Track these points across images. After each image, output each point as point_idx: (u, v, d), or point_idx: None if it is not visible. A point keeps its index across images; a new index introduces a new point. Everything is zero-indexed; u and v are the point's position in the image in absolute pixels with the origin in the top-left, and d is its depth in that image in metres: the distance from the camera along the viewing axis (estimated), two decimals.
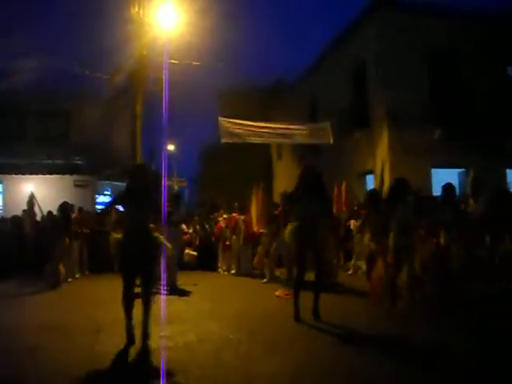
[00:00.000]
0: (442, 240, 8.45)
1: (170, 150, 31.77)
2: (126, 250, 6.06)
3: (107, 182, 23.19)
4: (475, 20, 17.86)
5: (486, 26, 17.74)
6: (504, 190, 10.15)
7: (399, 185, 8.65)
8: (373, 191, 12.56)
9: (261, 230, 13.68)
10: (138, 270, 6.14)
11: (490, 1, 19.51)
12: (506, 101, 17.46)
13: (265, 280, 12.50)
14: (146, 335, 6.00)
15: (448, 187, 8.80)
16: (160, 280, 8.38)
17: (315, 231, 7.56)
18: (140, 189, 6.25)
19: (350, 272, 13.47)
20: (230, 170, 34.23)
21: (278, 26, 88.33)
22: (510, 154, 16.69)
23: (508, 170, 17.94)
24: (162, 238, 6.35)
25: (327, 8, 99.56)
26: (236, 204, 15.75)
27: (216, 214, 16.97)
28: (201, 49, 18.56)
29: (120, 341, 5.95)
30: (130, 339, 6.01)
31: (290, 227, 7.85)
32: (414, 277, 8.06)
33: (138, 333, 6.05)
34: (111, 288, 5.94)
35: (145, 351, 5.75)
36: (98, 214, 17.42)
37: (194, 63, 18.13)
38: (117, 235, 6.32)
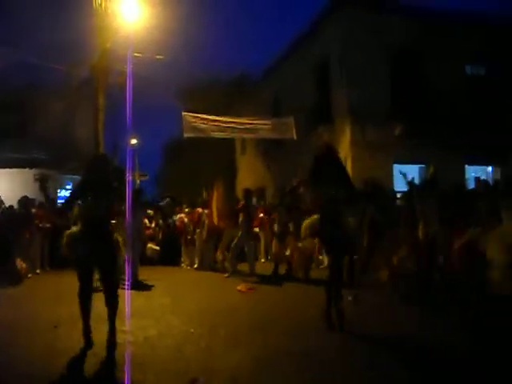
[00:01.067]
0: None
1: (132, 144, 31.49)
2: (81, 246, 5.67)
3: (69, 175, 22.85)
4: (437, 19, 18.09)
5: (447, 25, 18.01)
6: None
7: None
8: None
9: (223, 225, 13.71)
10: (96, 266, 5.84)
11: (450, 1, 19.80)
12: (465, 99, 17.79)
13: (227, 274, 12.49)
14: (112, 333, 5.70)
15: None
16: (122, 274, 8.33)
17: (341, 220, 6.78)
18: (98, 181, 5.88)
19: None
20: (194, 165, 34.08)
21: (244, 21, 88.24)
22: (468, 151, 16.99)
23: (467, 167, 18.28)
24: (118, 237, 6.22)
25: (293, 4, 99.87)
26: (200, 198, 15.67)
27: (178, 209, 16.88)
28: (165, 43, 18.44)
29: (79, 336, 5.87)
30: (88, 342, 5.76)
31: (308, 221, 7.37)
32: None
33: (98, 327, 5.96)
34: (71, 283, 5.80)
35: (111, 346, 5.59)
36: (59, 208, 17.16)
37: (157, 57, 17.99)
38: (71, 230, 6.03)
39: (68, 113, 21.67)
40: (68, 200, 6.42)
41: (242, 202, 13.37)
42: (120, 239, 6.25)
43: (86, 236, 5.71)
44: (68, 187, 23.07)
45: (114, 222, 6.32)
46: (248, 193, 13.72)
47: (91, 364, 5.16)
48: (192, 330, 6.48)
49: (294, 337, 6.14)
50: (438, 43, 17.76)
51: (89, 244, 5.64)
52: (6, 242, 12.29)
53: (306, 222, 7.51)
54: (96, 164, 6.21)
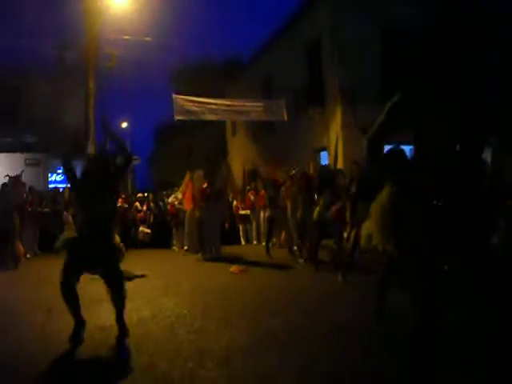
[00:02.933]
0: None
1: (123, 128, 31.39)
2: (79, 251, 5.36)
3: (58, 158, 22.76)
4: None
5: (439, 5, 17.91)
6: None
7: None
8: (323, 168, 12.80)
9: None
10: (93, 270, 5.50)
11: None
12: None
13: (198, 258, 12.59)
14: (122, 328, 5.37)
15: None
16: None
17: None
18: (98, 183, 5.47)
19: None
20: (185, 147, 34.05)
21: (235, 2, 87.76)
22: None
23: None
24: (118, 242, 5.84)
25: None
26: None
27: (169, 192, 16.92)
28: (154, 25, 18.38)
29: (72, 319, 5.90)
30: (79, 328, 5.38)
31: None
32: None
33: (91, 309, 5.99)
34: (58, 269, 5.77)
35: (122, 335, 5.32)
36: (50, 192, 17.15)
37: (145, 39, 17.93)
38: (66, 236, 5.85)
39: (59, 96, 21.52)
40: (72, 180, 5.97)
41: (205, 184, 13.11)
42: (118, 240, 6.00)
43: (86, 240, 5.40)
44: (59, 171, 22.99)
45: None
46: (211, 170, 13.76)
47: (86, 347, 5.19)
48: (185, 311, 6.53)
49: (286, 317, 6.18)
50: (431, 24, 17.66)
51: (87, 249, 5.35)
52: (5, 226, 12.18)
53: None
54: (94, 165, 5.79)
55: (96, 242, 5.33)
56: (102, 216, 5.44)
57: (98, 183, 5.46)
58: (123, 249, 5.91)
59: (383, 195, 3.51)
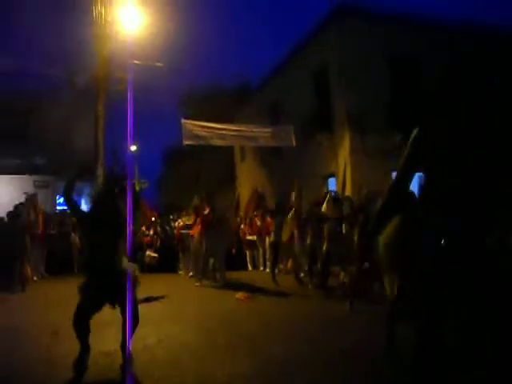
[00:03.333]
0: None
1: (132, 151, 31.51)
2: (92, 297, 5.27)
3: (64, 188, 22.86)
4: (436, 26, 18.18)
5: (446, 31, 18.07)
6: None
7: None
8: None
9: None
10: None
11: (450, 7, 19.89)
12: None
13: (197, 284, 12.53)
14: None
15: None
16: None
17: None
18: (107, 218, 5.40)
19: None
20: (194, 171, 34.15)
21: (244, 29, 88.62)
22: None
23: None
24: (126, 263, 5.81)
25: (292, 11, 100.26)
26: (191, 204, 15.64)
27: (176, 216, 16.95)
28: (165, 50, 18.56)
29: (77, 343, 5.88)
30: (84, 357, 5.29)
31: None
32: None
33: (97, 334, 5.95)
34: (70, 289, 5.77)
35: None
36: (58, 214, 17.23)
37: (157, 64, 18.09)
38: (81, 283, 5.48)
39: (69, 119, 21.72)
40: (74, 211, 5.85)
41: (208, 209, 13.04)
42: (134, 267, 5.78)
43: (97, 285, 5.30)
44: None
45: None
46: (210, 196, 13.73)
47: (90, 372, 5.17)
48: (190, 338, 6.54)
49: (290, 344, 6.16)
50: (437, 49, 17.80)
51: (97, 295, 5.29)
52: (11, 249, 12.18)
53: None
54: (104, 198, 5.82)
55: (106, 278, 5.25)
56: (111, 254, 5.34)
57: (108, 221, 5.37)
58: (138, 274, 5.82)
59: (391, 228, 3.51)
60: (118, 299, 5.22)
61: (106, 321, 5.80)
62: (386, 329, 5.74)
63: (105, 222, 5.33)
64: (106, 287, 5.25)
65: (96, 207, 5.65)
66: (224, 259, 12.88)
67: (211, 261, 13.09)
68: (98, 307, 5.33)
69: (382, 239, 3.90)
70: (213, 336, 6.63)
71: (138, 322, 5.35)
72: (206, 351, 5.90)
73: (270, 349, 5.96)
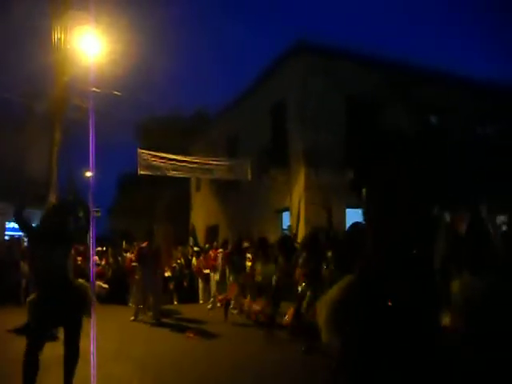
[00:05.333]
0: None
1: (86, 177, 31.13)
2: (44, 309, 5.25)
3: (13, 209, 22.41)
4: (396, 66, 18.62)
5: (404, 76, 18.51)
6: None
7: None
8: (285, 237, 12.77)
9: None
10: (58, 326, 5.51)
11: (413, 50, 20.44)
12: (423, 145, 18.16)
13: (131, 318, 12.27)
14: None
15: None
16: None
17: None
18: (55, 232, 5.41)
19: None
20: (148, 200, 33.87)
21: (204, 60, 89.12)
22: None
23: None
24: (85, 285, 5.82)
25: (253, 45, 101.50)
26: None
27: (127, 246, 16.72)
28: (123, 79, 18.47)
29: None
30: None
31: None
32: None
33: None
34: (15, 321, 5.60)
35: None
36: (6, 242, 16.82)
37: (115, 93, 17.98)
38: (32, 297, 5.55)
39: (22, 145, 21.38)
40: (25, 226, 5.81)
41: (145, 243, 12.87)
42: (84, 282, 5.87)
43: (49, 298, 5.31)
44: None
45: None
46: (149, 231, 13.67)
47: None
48: (134, 382, 6.39)
49: None
50: (395, 91, 18.19)
51: (53, 305, 5.26)
52: None
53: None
54: (52, 215, 5.77)
55: (57, 291, 5.28)
56: (60, 266, 5.40)
57: (56, 235, 5.41)
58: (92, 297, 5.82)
59: (336, 289, 3.52)
60: (66, 318, 5.31)
61: (49, 361, 5.62)
62: None
63: (52, 236, 5.38)
64: (57, 300, 5.25)
65: (44, 221, 5.69)
66: (158, 294, 12.57)
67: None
68: (49, 325, 5.39)
69: (326, 299, 3.88)
70: (157, 379, 6.51)
71: (78, 356, 5.41)
72: None
73: None
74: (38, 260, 5.59)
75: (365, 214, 3.52)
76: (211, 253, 16.06)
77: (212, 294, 14.65)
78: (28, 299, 5.63)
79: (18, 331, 8.92)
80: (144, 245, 12.77)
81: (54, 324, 5.43)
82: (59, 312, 5.26)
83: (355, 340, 3.23)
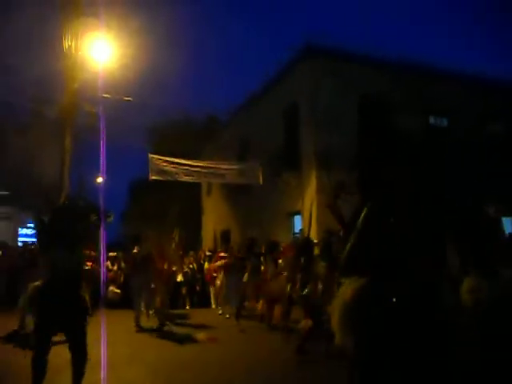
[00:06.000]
0: None
1: (98, 183, 31.29)
2: (47, 302, 5.15)
3: (28, 213, 22.53)
4: (407, 67, 18.62)
5: (414, 76, 18.54)
6: None
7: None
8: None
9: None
10: (61, 329, 5.30)
11: (419, 54, 20.41)
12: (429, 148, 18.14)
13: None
14: None
15: None
16: None
17: None
18: (65, 231, 5.31)
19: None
20: (159, 204, 33.91)
21: (214, 63, 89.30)
22: None
23: None
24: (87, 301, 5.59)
25: (265, 47, 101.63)
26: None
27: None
28: (134, 84, 18.54)
29: None
30: None
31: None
32: None
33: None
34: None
35: None
36: (19, 247, 16.88)
37: (125, 98, 18.03)
38: (37, 283, 5.59)
39: (33, 151, 21.46)
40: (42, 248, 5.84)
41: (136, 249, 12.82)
42: (87, 296, 5.81)
43: (54, 290, 5.19)
44: (29, 225, 22.73)
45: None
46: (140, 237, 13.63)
47: None
48: None
49: None
50: (404, 92, 18.17)
51: (56, 300, 5.14)
52: None
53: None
54: (62, 213, 5.72)
55: (63, 294, 5.15)
56: (69, 266, 5.28)
57: (65, 233, 5.33)
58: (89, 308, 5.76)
59: (348, 291, 3.53)
60: (70, 319, 5.16)
61: (59, 365, 5.59)
62: None
63: (63, 235, 5.30)
64: (63, 299, 5.12)
65: (53, 220, 5.58)
66: (150, 299, 12.39)
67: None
68: (53, 325, 5.16)
69: (338, 303, 3.91)
70: (169, 383, 6.50)
71: (86, 358, 5.26)
72: None
73: None
74: (47, 260, 5.52)
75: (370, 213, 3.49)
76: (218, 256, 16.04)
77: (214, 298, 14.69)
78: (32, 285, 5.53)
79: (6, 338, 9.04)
80: (135, 251, 12.71)
81: (58, 323, 5.18)
82: (64, 311, 5.13)
83: (366, 340, 3.26)
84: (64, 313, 5.13)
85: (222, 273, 14.17)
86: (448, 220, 4.00)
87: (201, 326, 11.55)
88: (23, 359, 5.33)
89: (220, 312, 14.11)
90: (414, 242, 3.32)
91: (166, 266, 13.07)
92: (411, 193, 3.47)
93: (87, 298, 5.61)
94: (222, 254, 14.62)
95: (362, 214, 3.44)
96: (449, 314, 3.77)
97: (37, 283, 5.52)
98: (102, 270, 11.02)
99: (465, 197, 4.59)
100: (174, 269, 14.86)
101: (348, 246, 3.52)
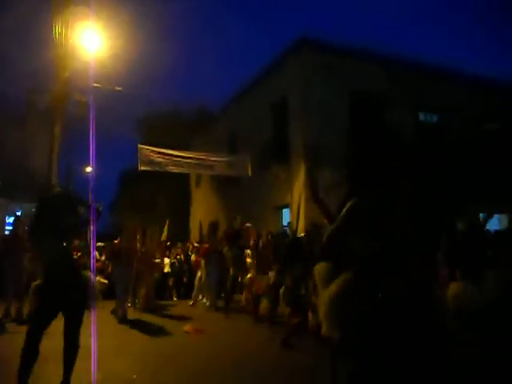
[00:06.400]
0: None
1: (87, 172, 31.16)
2: (48, 295, 5.15)
3: (20, 203, 22.41)
4: (400, 62, 18.68)
5: (411, 68, 18.63)
6: None
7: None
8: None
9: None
10: (63, 310, 5.26)
11: (416, 53, 20.46)
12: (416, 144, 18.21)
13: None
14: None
15: None
16: None
17: None
18: (55, 219, 5.26)
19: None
20: (149, 195, 33.88)
21: (207, 56, 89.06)
22: None
23: None
24: (88, 274, 5.68)
25: (255, 42, 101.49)
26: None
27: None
28: (124, 74, 18.49)
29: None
30: None
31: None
32: None
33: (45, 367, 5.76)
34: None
35: None
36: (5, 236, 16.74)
37: (116, 88, 17.99)
38: (36, 282, 5.58)
39: (23, 140, 21.39)
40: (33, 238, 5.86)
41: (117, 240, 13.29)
42: (89, 274, 5.78)
43: (53, 282, 5.18)
44: (18, 214, 22.61)
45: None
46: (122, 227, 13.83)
47: None
48: (134, 376, 6.40)
49: None
50: (396, 88, 18.23)
51: (57, 291, 5.13)
52: None
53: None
54: (51, 201, 5.65)
55: (61, 277, 5.15)
56: (63, 256, 5.29)
57: (56, 218, 5.30)
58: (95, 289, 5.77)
59: (334, 285, 3.59)
60: (69, 305, 5.17)
61: (44, 357, 5.58)
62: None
63: (53, 223, 5.26)
64: (61, 285, 5.11)
65: (43, 206, 5.57)
66: (122, 290, 12.27)
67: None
68: (51, 311, 5.16)
69: (324, 297, 4.00)
70: (157, 374, 6.52)
71: (78, 348, 5.33)
72: None
73: None
74: (42, 246, 5.49)
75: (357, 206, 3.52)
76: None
77: (195, 292, 14.75)
78: (33, 284, 5.60)
79: None
80: (116, 241, 13.11)
81: (56, 309, 5.19)
82: (63, 297, 5.13)
83: (353, 332, 3.31)
84: (64, 298, 5.13)
85: (203, 262, 14.28)
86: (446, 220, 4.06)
87: (187, 318, 11.58)
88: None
89: (191, 302, 14.35)
90: (411, 240, 3.33)
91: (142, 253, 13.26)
92: (406, 189, 3.46)
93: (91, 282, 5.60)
94: (207, 246, 14.71)
95: (348, 205, 3.48)
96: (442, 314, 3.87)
97: (37, 282, 5.49)
98: (92, 260, 10.98)
99: (456, 197, 4.59)
100: (157, 260, 14.95)
101: (328, 231, 3.56)
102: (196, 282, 14.79)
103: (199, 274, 14.67)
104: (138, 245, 13.33)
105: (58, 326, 5.22)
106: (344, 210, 3.45)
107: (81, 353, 5.54)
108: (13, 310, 10.97)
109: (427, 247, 3.47)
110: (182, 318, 11.55)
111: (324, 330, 3.58)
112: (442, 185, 3.96)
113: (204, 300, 14.39)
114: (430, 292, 3.41)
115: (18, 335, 5.87)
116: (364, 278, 3.30)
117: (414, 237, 3.32)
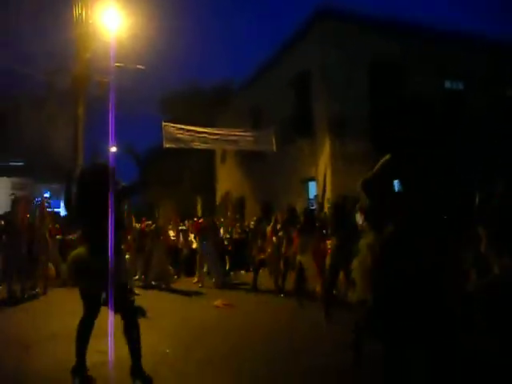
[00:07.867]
0: None
1: (112, 152, 31.29)
2: (90, 270, 4.92)
3: (46, 184, 22.64)
4: (418, 34, 18.37)
5: (428, 40, 18.30)
6: None
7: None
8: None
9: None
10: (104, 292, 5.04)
11: (432, 18, 20.09)
12: (445, 113, 17.95)
13: None
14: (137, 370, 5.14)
15: None
16: None
17: None
18: (99, 195, 4.95)
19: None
20: (174, 172, 34.01)
21: (226, 32, 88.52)
22: None
23: None
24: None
25: (275, 14, 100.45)
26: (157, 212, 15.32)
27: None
28: (146, 53, 18.48)
29: (50, 361, 5.82)
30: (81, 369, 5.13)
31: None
32: None
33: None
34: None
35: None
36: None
37: (138, 67, 17.98)
38: (77, 251, 5.27)
39: (47, 121, 21.53)
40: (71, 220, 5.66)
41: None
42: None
43: (94, 259, 4.95)
44: (46, 195, 22.85)
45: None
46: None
47: None
48: (167, 351, 6.47)
49: (271, 362, 6.09)
50: (419, 56, 17.97)
51: (97, 269, 4.90)
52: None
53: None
54: (95, 175, 5.31)
55: (99, 256, 4.86)
56: (108, 233, 4.91)
57: (100, 194, 4.98)
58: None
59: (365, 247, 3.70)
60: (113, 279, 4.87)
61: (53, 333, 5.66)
62: (354, 343, 5.68)
63: (97, 199, 4.99)
64: (103, 263, 4.82)
65: (85, 184, 5.33)
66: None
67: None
68: (97, 287, 5.06)
69: (357, 261, 4.11)
70: (190, 349, 6.58)
71: (133, 324, 5.24)
72: (184, 366, 5.86)
73: (249, 366, 5.89)
74: (87, 227, 5.30)
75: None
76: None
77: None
78: (72, 253, 5.39)
79: None
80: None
81: (99, 287, 5.03)
82: (104, 277, 4.82)
83: (385, 295, 3.41)
84: (106, 276, 4.84)
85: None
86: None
87: (216, 293, 11.66)
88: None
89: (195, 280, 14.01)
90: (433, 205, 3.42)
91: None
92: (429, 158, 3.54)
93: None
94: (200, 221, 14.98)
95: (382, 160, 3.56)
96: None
97: (77, 251, 5.25)
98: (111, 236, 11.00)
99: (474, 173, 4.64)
100: (172, 237, 15.04)
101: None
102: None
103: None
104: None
105: (66, 306, 5.24)
106: (379, 163, 3.57)
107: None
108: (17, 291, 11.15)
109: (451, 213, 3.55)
110: (211, 294, 11.63)
111: (358, 293, 3.68)
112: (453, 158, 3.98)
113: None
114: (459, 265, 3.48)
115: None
116: (397, 243, 3.36)
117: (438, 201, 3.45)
